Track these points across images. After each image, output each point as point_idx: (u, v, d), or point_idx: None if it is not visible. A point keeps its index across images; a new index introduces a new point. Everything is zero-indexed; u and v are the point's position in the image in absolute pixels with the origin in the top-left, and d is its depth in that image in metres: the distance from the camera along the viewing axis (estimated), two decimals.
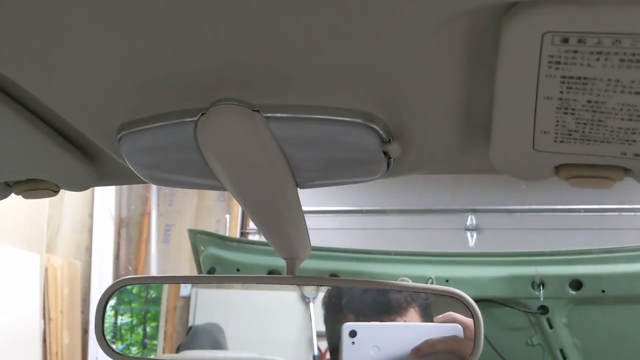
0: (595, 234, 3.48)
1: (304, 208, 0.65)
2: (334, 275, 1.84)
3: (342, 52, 0.43)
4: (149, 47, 0.44)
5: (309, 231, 0.72)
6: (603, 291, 1.72)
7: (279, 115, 0.49)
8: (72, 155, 0.65)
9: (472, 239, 3.80)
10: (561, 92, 0.42)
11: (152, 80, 0.48)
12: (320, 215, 3.94)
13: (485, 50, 0.43)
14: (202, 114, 0.49)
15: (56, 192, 0.71)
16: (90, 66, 0.46)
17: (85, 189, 0.72)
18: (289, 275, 0.73)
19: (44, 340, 3.22)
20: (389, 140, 0.52)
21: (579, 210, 3.65)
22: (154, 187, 4.12)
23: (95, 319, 0.74)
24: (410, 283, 0.81)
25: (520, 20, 0.37)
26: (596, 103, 0.42)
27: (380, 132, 0.51)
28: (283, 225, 0.66)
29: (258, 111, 0.49)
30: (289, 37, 0.42)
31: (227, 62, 0.45)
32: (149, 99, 0.50)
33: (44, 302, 3.24)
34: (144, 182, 0.68)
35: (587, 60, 0.38)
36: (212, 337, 2.39)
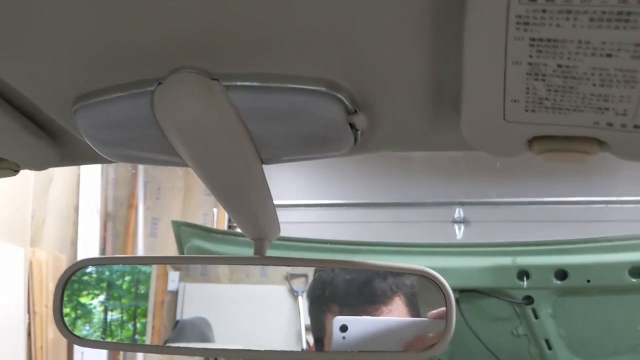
0: (582, 225, 3.50)
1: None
2: None
3: (304, 18, 0.41)
4: (103, 14, 0.42)
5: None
6: (588, 281, 1.71)
7: (239, 83, 0.47)
8: (32, 133, 0.62)
9: (459, 232, 3.80)
10: (530, 56, 0.40)
11: (107, 49, 0.46)
12: (306, 208, 3.93)
13: (451, 15, 0.41)
14: (159, 84, 0.47)
15: (17, 171, 0.69)
16: (41, 32, 0.44)
17: (47, 169, 0.70)
18: (257, 255, 0.71)
19: (29, 335, 3.19)
20: (355, 111, 0.50)
21: (566, 203, 3.66)
22: (140, 180, 4.09)
23: (53, 301, 0.71)
24: (379, 262, 0.79)
25: None
26: (567, 67, 0.40)
27: (346, 101, 0.49)
28: (248, 203, 0.64)
29: (217, 80, 0.47)
30: (249, 2, 0.40)
31: (185, 28, 0.43)
32: (104, 69, 0.48)
33: (28, 296, 3.20)
34: (107, 162, 0.66)
35: (556, 20, 0.37)
36: (199, 331, 2.37)
